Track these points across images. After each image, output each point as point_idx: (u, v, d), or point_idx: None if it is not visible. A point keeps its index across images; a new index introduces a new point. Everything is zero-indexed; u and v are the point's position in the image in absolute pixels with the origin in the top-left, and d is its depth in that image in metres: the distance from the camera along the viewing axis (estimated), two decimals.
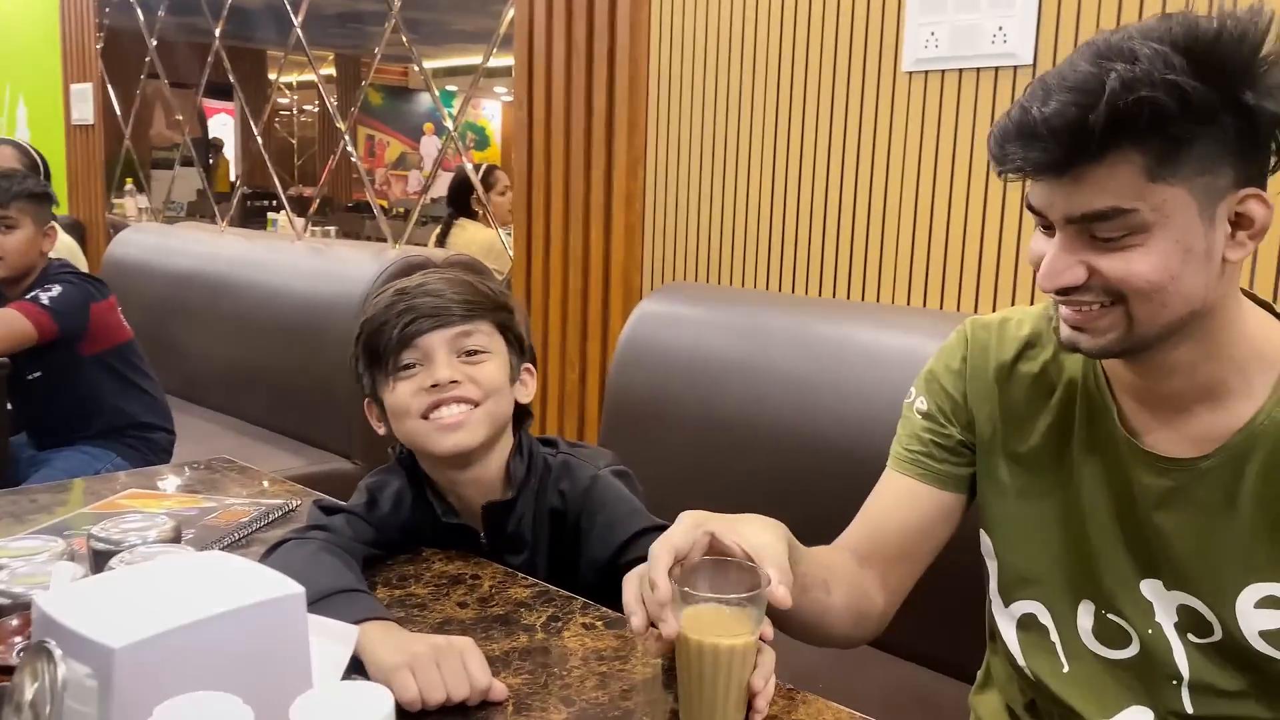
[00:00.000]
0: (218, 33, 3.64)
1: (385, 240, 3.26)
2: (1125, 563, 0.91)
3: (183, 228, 3.83)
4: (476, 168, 3.77)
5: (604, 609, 1.01)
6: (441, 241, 3.74)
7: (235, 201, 4.04)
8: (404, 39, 3.01)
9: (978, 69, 1.68)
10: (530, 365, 1.18)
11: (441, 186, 4.08)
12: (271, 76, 4.08)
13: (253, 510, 1.26)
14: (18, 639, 0.71)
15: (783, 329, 1.81)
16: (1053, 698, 0.96)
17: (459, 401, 1.07)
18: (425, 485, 1.15)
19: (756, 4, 1.98)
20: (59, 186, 4.46)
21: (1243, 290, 0.87)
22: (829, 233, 1.92)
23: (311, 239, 3.40)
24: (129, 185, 4.34)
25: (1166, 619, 0.90)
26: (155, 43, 3.93)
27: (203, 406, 3.13)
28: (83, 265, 2.71)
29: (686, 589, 0.78)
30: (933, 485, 1.03)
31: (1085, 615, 0.94)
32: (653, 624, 0.80)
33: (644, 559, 1.05)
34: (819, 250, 1.94)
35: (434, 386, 1.05)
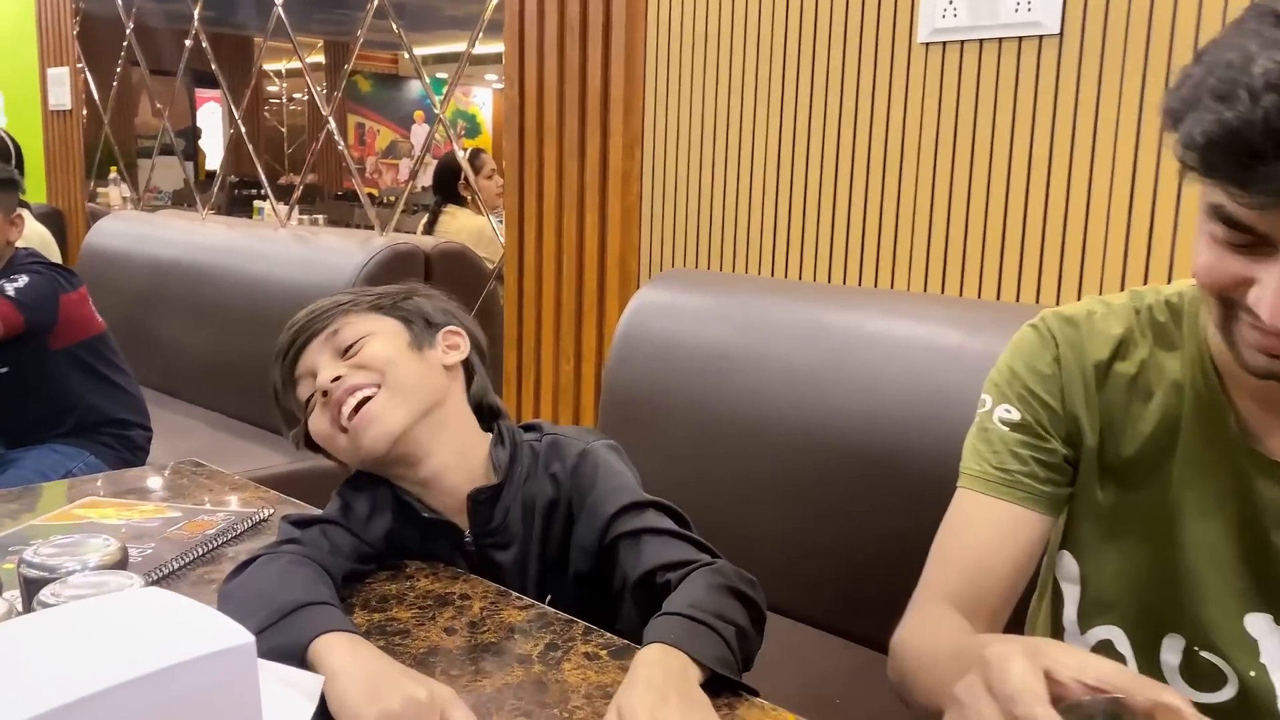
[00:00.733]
0: (196, 16, 3.52)
1: (373, 229, 3.14)
2: (1231, 591, 0.80)
3: (164, 215, 3.71)
4: (466, 153, 3.66)
5: (607, 635, 0.91)
6: (430, 229, 3.63)
7: (216, 189, 3.92)
8: (393, 25, 2.90)
9: (999, 39, 1.57)
10: (453, 328, 1.10)
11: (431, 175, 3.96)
12: (262, 65, 3.95)
13: (220, 521, 1.15)
14: None
15: (789, 318, 1.71)
16: None
17: (353, 393, 1.00)
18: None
19: None
20: (37, 174, 4.33)
21: None
22: (839, 216, 1.81)
23: (296, 227, 3.29)
24: (113, 174, 4.21)
25: (1276, 660, 0.79)
26: (132, 26, 3.79)
27: (183, 400, 3.02)
28: (55, 256, 2.60)
29: None
30: (1037, 510, 0.88)
31: (1171, 651, 0.84)
32: None
33: (631, 534, 0.97)
34: (828, 234, 1.84)
35: (324, 395, 1.00)
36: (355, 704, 0.72)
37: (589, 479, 1.02)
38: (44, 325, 2.14)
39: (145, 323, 3.16)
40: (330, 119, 3.20)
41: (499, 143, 3.37)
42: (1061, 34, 1.51)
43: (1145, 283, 1.51)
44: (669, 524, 0.98)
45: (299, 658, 0.77)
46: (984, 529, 0.90)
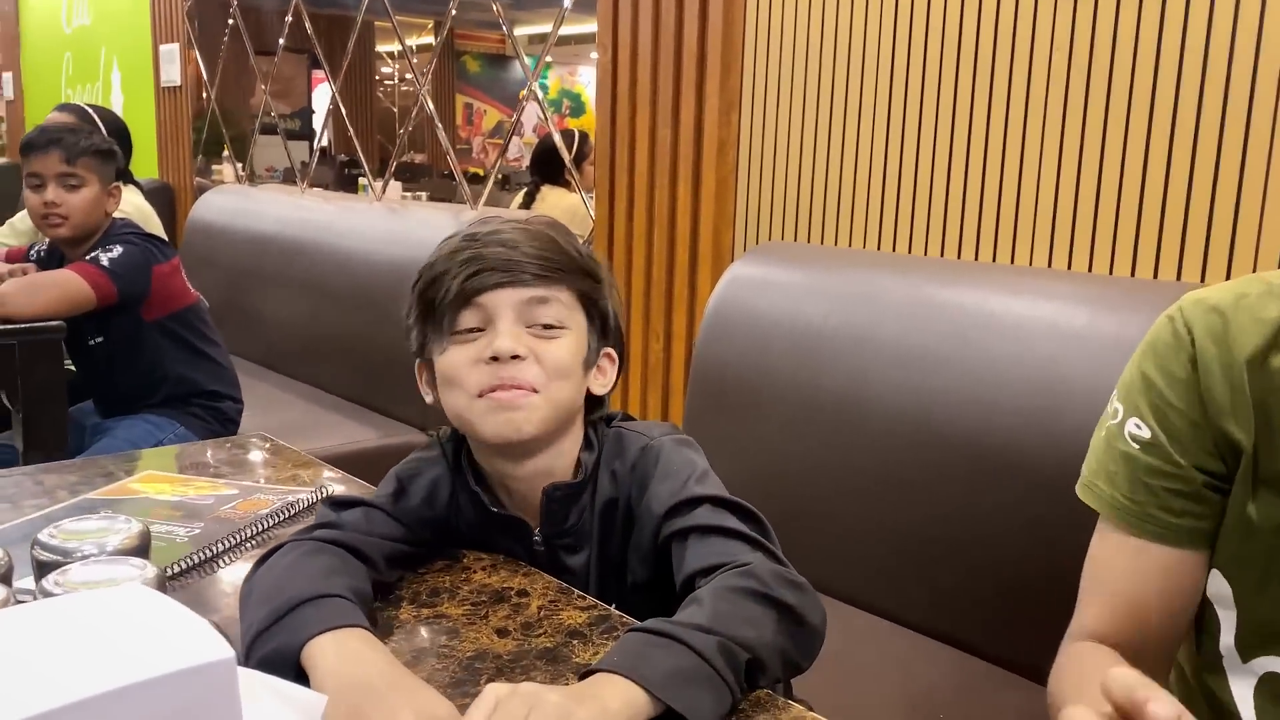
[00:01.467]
0: None
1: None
2: None
3: (265, 189, 3.74)
4: (569, 135, 3.57)
5: None
6: (527, 206, 3.57)
7: (315, 165, 3.93)
8: (495, 6, 2.83)
9: None
10: (613, 351, 0.98)
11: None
12: (372, 45, 3.95)
13: (274, 500, 1.09)
14: None
15: (897, 295, 1.57)
16: None
17: (518, 385, 0.88)
18: (471, 475, 0.96)
19: None
20: (149, 150, 4.43)
21: None
22: (953, 185, 1.66)
23: (390, 200, 3.26)
24: (226, 152, 4.28)
25: None
26: (237, 4, 3.83)
27: (279, 374, 3.03)
28: (156, 229, 2.60)
29: None
30: (1177, 546, 0.79)
31: None
32: None
33: (679, 535, 0.85)
34: (940, 205, 1.68)
35: (493, 360, 0.87)
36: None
37: (646, 476, 0.92)
38: (137, 296, 2.14)
39: (245, 296, 3.18)
40: (425, 98, 3.16)
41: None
42: None
43: None
44: (723, 519, 0.85)
45: (293, 665, 0.69)
46: (1127, 565, 0.81)
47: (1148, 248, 1.45)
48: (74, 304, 2.05)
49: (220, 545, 0.96)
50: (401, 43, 3.41)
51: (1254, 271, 1.10)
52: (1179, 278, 1.43)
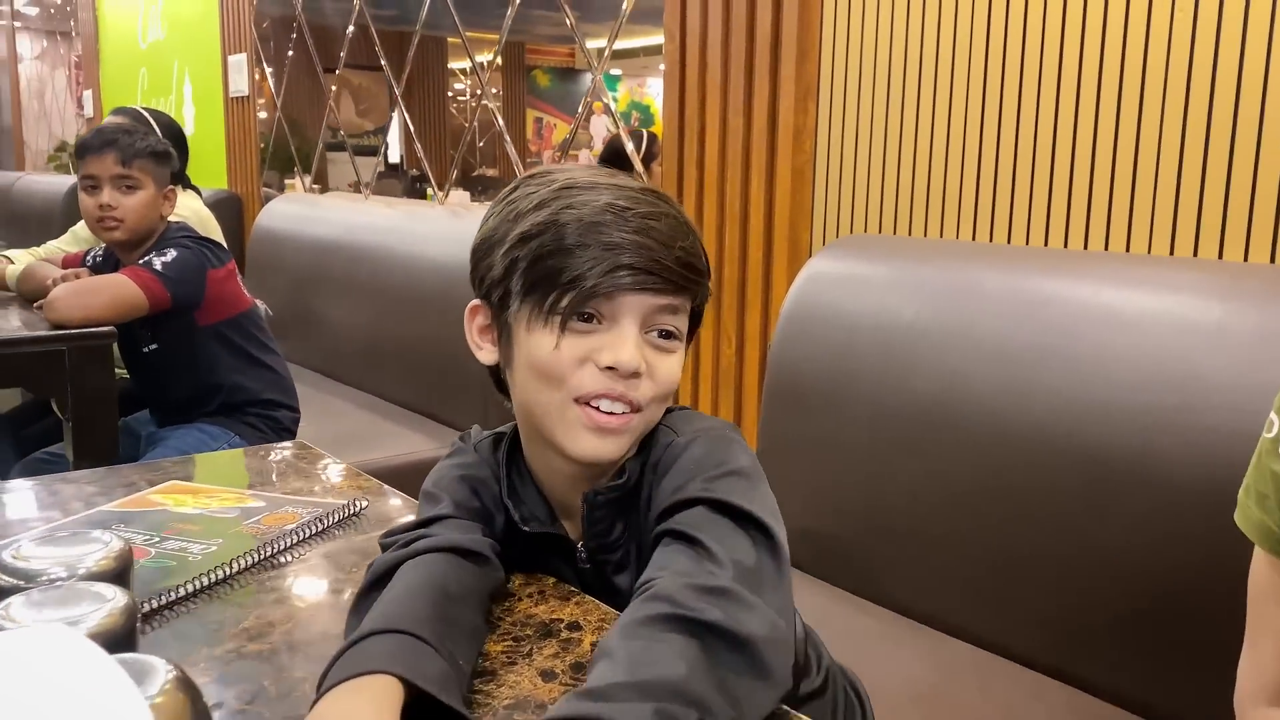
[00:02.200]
0: (357, 11, 3.49)
1: None
2: None
3: (329, 197, 3.70)
4: (637, 135, 3.48)
5: None
6: None
7: (376, 176, 3.90)
8: (568, 20, 2.75)
9: None
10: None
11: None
12: (444, 62, 3.92)
13: (302, 514, 0.98)
14: None
15: (997, 288, 1.41)
16: None
17: (625, 402, 0.75)
18: (507, 477, 0.84)
19: None
20: (218, 160, 4.43)
21: None
22: (1058, 165, 1.49)
23: (451, 203, 3.19)
24: (296, 168, 4.27)
25: None
26: (302, 17, 3.80)
27: (341, 383, 2.97)
28: (215, 234, 2.55)
29: None
30: None
31: None
32: None
33: (659, 539, 0.70)
34: (1044, 188, 1.52)
35: (609, 369, 0.74)
36: None
37: (660, 475, 0.78)
38: (191, 301, 2.07)
39: (309, 303, 3.13)
40: (495, 114, 3.09)
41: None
42: None
43: None
44: (708, 528, 0.69)
45: None
46: None
47: None
48: (126, 309, 1.99)
49: (216, 575, 0.83)
50: (471, 59, 3.36)
51: None
52: None
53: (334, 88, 3.79)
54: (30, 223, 4.97)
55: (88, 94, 6.30)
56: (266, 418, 2.22)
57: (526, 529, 0.82)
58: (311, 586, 0.85)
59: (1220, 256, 1.34)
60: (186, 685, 0.44)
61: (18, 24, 8.71)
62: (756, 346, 1.95)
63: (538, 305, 0.75)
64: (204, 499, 1.02)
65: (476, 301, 0.82)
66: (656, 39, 2.28)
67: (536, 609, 0.79)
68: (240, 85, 4.20)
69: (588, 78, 3.10)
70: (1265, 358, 1.15)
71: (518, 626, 0.76)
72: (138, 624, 0.57)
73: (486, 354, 0.82)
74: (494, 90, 3.52)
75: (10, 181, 6.86)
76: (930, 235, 1.68)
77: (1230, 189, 1.31)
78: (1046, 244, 1.53)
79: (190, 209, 2.59)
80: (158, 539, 0.91)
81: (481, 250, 0.80)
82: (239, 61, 4.18)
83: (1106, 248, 1.46)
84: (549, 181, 0.78)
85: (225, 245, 2.30)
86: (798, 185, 1.86)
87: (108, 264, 2.20)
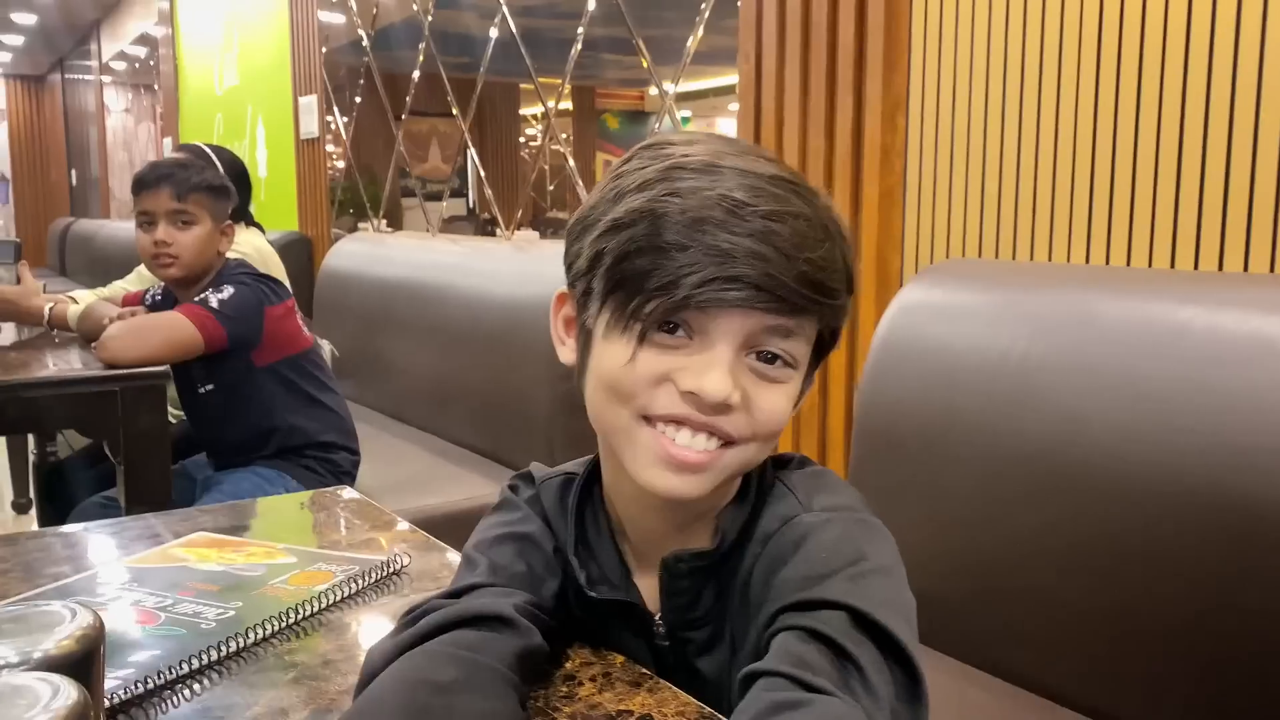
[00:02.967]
0: (427, 57, 3.47)
1: None
2: None
3: (396, 236, 3.66)
4: None
5: None
6: None
7: (444, 216, 3.87)
8: (643, 61, 2.69)
9: None
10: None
11: None
12: (516, 107, 3.92)
13: (338, 571, 0.86)
14: None
15: (1117, 316, 1.25)
16: None
17: (711, 433, 0.62)
18: (574, 532, 0.71)
19: None
20: (289, 203, 4.44)
21: None
22: (1185, 179, 1.33)
23: (518, 239, 3.11)
24: (369, 210, 4.26)
25: None
26: (372, 63, 3.80)
27: (406, 424, 2.89)
28: (277, 272, 2.49)
29: None
30: None
31: None
32: None
33: (791, 630, 0.56)
34: (1169, 204, 1.35)
35: (689, 394, 0.61)
36: None
37: (782, 557, 0.63)
38: (248, 339, 2.00)
39: (375, 343, 3.07)
40: (557, 153, 3.02)
41: None
42: None
43: None
44: (851, 643, 0.56)
45: None
46: None
47: None
48: (180, 348, 1.92)
49: (193, 663, 0.69)
50: (543, 102, 3.32)
51: None
52: None
53: (408, 130, 3.77)
54: (113, 268, 5.07)
55: (167, 141, 6.44)
56: (324, 460, 2.13)
57: (593, 594, 0.68)
58: (338, 664, 0.73)
59: None
60: None
61: (106, 79, 9.01)
62: (842, 386, 1.81)
63: (619, 310, 0.62)
64: (230, 553, 0.91)
65: (564, 289, 0.69)
66: (727, 79, 2.20)
67: (600, 696, 0.65)
68: (310, 127, 4.21)
69: (654, 120, 3.04)
70: None
71: (579, 718, 0.62)
72: None
73: (568, 351, 0.69)
74: (564, 135, 3.48)
75: (95, 229, 7.05)
76: (1038, 259, 1.53)
77: None
78: (1173, 265, 1.36)
79: (252, 245, 2.54)
80: (170, 601, 0.80)
81: (575, 230, 0.67)
82: (309, 103, 4.19)
83: (1246, 268, 1.29)
84: (662, 155, 0.64)
85: (287, 283, 2.24)
86: (886, 208, 1.71)
87: (166, 302, 2.15)
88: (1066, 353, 1.26)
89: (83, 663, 0.50)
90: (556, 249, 0.70)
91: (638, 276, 0.61)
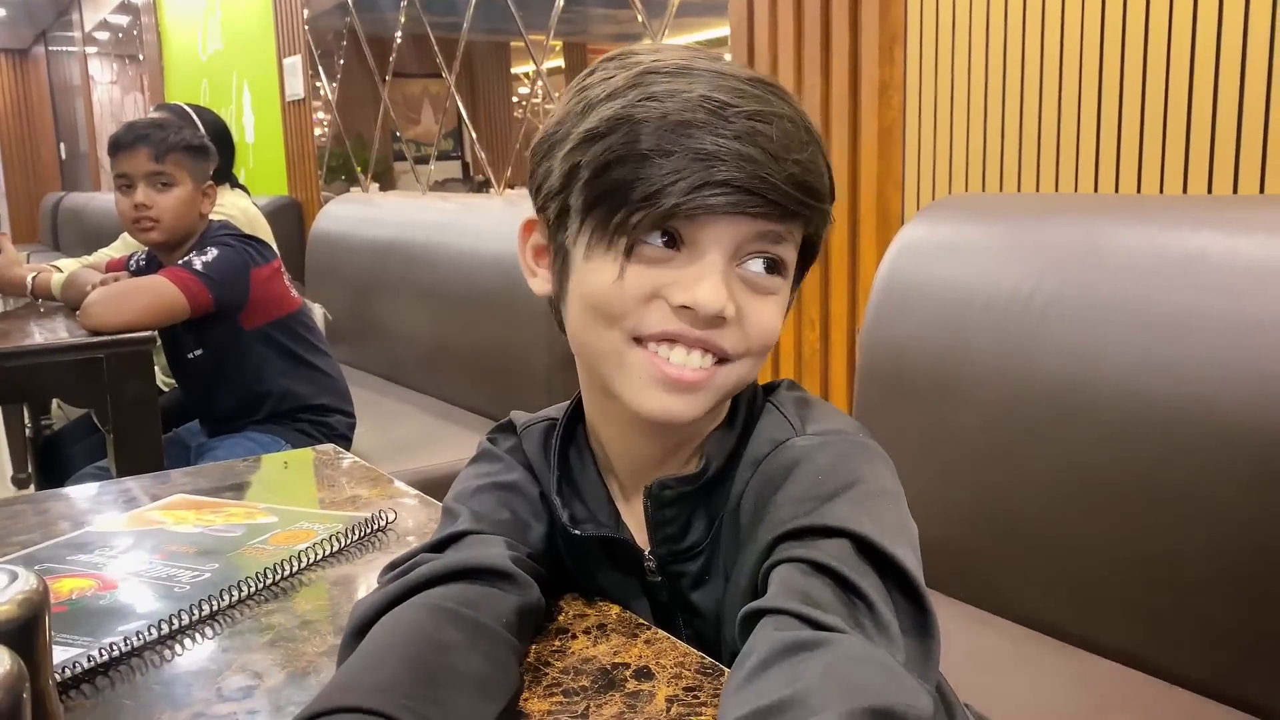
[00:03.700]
0: (403, 20, 3.37)
1: None
2: None
3: (386, 196, 3.59)
4: None
5: None
6: None
7: (432, 174, 3.79)
8: (638, 17, 2.60)
9: None
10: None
11: None
12: (508, 67, 3.82)
13: (320, 530, 0.82)
14: None
15: (1130, 245, 1.20)
16: None
17: (706, 350, 0.58)
18: (561, 464, 0.67)
19: None
20: (278, 168, 4.37)
21: None
22: (1199, 100, 1.27)
23: (510, 193, 3.05)
24: (359, 173, 4.19)
25: None
26: (355, 23, 3.70)
27: (403, 387, 2.85)
28: (263, 234, 2.44)
29: None
30: None
31: None
32: None
33: (793, 563, 0.51)
34: (1181, 128, 1.30)
35: (683, 309, 0.57)
36: None
37: (774, 482, 0.59)
38: (235, 302, 1.95)
39: (369, 306, 3.02)
40: (549, 112, 2.94)
41: None
42: None
43: None
44: (854, 572, 0.52)
45: None
46: None
47: None
48: (166, 313, 1.88)
49: (163, 629, 0.65)
50: (535, 61, 3.24)
51: None
52: None
53: (385, 95, 3.68)
54: (106, 240, 5.01)
55: (152, 109, 6.34)
56: (319, 424, 2.09)
57: (577, 532, 0.64)
58: (316, 625, 0.69)
59: None
60: None
61: (90, 49, 8.87)
62: (844, 330, 1.76)
63: (601, 225, 0.57)
64: (209, 515, 0.87)
65: (532, 216, 0.65)
66: (718, 31, 2.13)
67: (595, 649, 0.61)
68: (296, 89, 4.13)
69: None
70: None
71: (569, 675, 0.58)
72: (23, 698, 0.41)
73: (540, 282, 0.65)
74: (556, 95, 3.39)
75: (85, 202, 6.98)
76: (1044, 191, 1.47)
77: None
78: (1186, 191, 1.31)
79: (237, 207, 2.48)
80: (144, 565, 0.76)
81: (542, 149, 0.62)
82: (294, 64, 4.11)
83: (1262, 190, 1.23)
84: (630, 64, 0.59)
85: (273, 244, 2.19)
86: (885, 145, 1.66)
87: (150, 268, 2.10)
88: (1077, 286, 1.22)
89: (23, 630, 0.46)
90: None
91: (619, 188, 0.56)
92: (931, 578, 1.34)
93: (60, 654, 0.61)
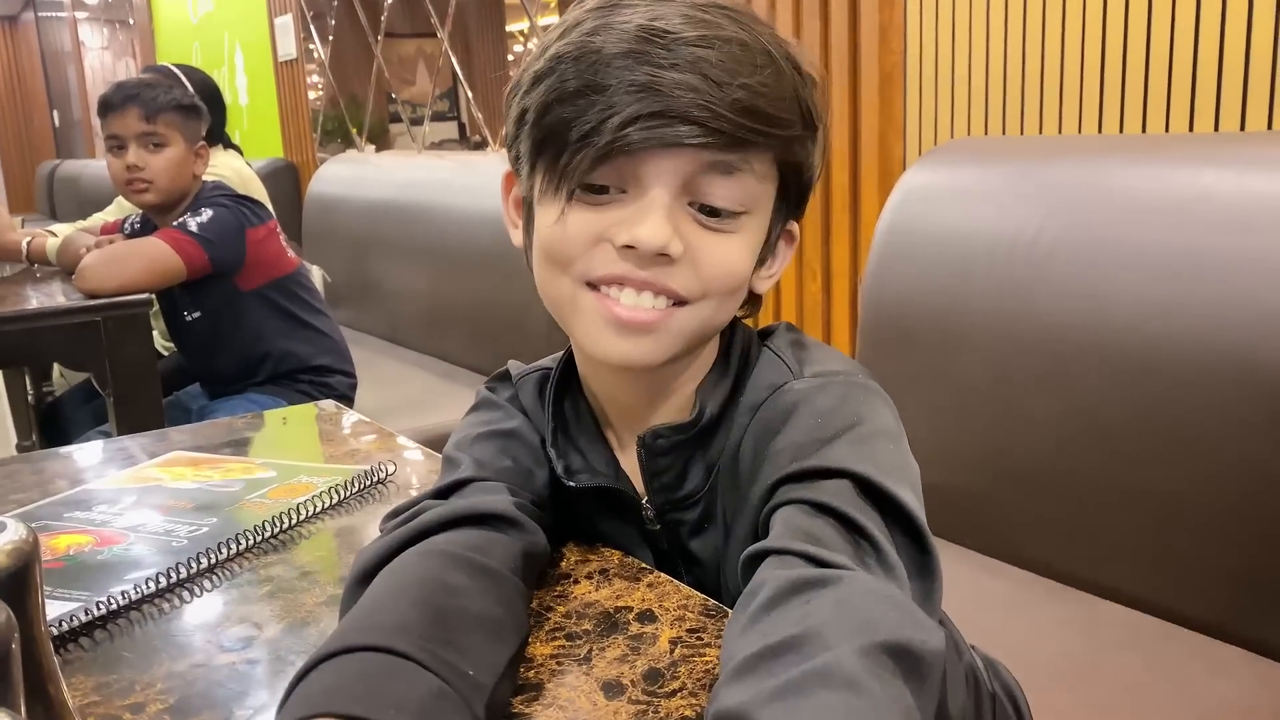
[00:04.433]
0: None
1: None
2: None
3: (382, 155, 3.56)
4: None
5: None
6: None
7: (426, 132, 3.75)
8: None
9: None
10: (795, 226, 0.64)
11: None
12: (503, 25, 3.75)
13: (319, 484, 0.81)
14: None
15: (1135, 186, 1.18)
16: None
17: (657, 291, 0.56)
18: (552, 422, 0.65)
19: None
20: (273, 131, 4.33)
21: None
22: (1205, 37, 1.25)
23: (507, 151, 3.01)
24: (354, 134, 4.14)
25: None
26: None
27: (403, 347, 2.84)
28: (258, 194, 2.41)
29: None
30: None
31: None
32: None
33: (795, 504, 0.50)
34: (1187, 67, 1.27)
35: (627, 248, 0.55)
36: None
37: (772, 426, 0.58)
38: (231, 263, 1.94)
39: (367, 267, 3.00)
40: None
41: None
42: None
43: None
44: (856, 511, 0.51)
45: None
46: None
47: None
48: (161, 274, 1.86)
49: (160, 582, 0.64)
50: (530, 18, 3.18)
51: None
52: None
53: (378, 54, 3.63)
54: (103, 207, 4.99)
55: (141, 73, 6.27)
56: (320, 384, 2.08)
57: (571, 483, 0.63)
58: (316, 576, 0.69)
59: None
60: None
61: (80, 14, 8.76)
62: (846, 279, 1.74)
63: (549, 170, 0.56)
64: (206, 471, 0.86)
65: (514, 174, 0.63)
66: None
67: (597, 594, 0.60)
68: (288, 48, 4.07)
69: None
70: None
71: (572, 619, 0.58)
72: (13, 648, 0.41)
73: (519, 234, 0.64)
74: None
75: (80, 169, 6.93)
76: (1048, 133, 1.45)
77: None
78: (1191, 128, 1.29)
79: (231, 168, 2.45)
80: (141, 520, 0.75)
81: (508, 99, 0.60)
82: (285, 23, 4.05)
83: (1270, 126, 1.21)
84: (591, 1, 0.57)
85: (268, 204, 2.16)
86: (886, 90, 1.63)
87: (145, 230, 2.08)
88: (1083, 228, 1.20)
89: (13, 580, 0.45)
90: None
91: (560, 128, 0.54)
92: (937, 524, 1.33)
93: (58, 608, 0.61)
